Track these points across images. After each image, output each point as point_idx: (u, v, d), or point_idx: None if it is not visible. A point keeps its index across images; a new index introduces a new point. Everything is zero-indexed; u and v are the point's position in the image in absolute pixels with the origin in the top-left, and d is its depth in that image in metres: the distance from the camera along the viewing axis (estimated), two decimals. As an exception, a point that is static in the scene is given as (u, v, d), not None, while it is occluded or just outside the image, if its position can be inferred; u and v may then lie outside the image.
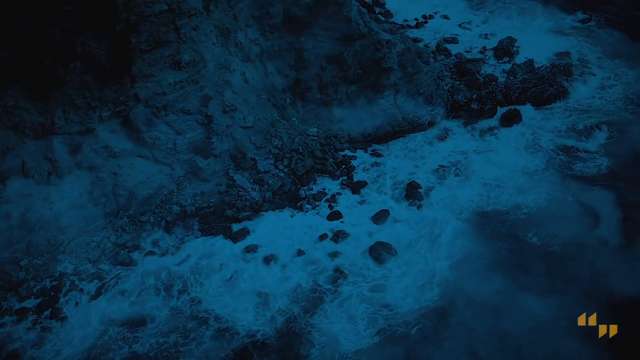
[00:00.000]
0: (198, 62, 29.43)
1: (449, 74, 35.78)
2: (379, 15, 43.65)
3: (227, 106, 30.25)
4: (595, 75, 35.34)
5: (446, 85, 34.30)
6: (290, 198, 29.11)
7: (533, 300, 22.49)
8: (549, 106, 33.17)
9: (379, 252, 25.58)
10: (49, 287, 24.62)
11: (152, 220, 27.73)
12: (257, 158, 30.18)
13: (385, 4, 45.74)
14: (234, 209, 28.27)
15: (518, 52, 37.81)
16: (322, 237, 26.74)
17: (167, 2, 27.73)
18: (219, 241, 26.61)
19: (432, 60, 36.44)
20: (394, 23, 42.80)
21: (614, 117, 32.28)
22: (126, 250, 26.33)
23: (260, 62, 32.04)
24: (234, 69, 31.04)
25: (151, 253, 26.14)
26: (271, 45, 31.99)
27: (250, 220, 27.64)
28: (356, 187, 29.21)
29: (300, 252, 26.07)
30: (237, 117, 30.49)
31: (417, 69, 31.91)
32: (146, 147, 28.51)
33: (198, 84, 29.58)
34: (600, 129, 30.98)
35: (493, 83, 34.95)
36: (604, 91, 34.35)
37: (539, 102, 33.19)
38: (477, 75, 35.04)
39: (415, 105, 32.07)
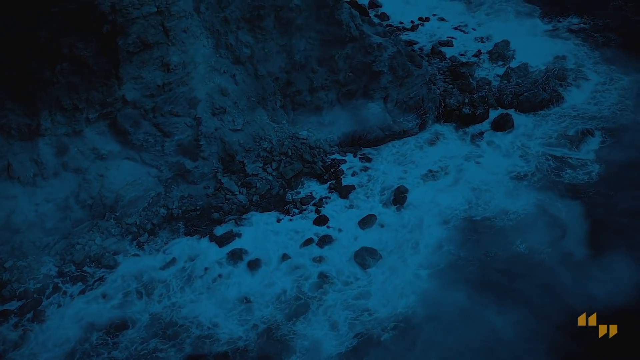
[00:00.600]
0: (188, 64, 29.27)
1: (442, 77, 35.53)
2: (375, 17, 43.58)
3: (217, 108, 30.11)
4: (590, 80, 34.99)
5: (438, 88, 34.02)
6: (278, 202, 28.95)
7: (508, 312, 22.26)
8: (542, 111, 32.82)
9: (364, 257, 25.39)
10: (32, 290, 24.51)
11: (138, 223, 27.63)
12: (245, 161, 30.04)
13: (381, 6, 45.53)
14: (221, 212, 28.15)
15: (513, 56, 37.50)
16: (308, 241, 26.57)
17: (156, 4, 27.60)
18: (204, 245, 26.43)
19: (425, 63, 36.14)
20: (390, 25, 42.66)
21: (609, 123, 31.95)
22: (111, 252, 26.20)
23: (251, 64, 31.81)
24: (224, 71, 30.90)
25: (136, 256, 26.03)
26: (262, 47, 31.74)
27: (237, 223, 27.48)
28: (344, 192, 29.01)
29: (285, 257, 25.89)
30: (226, 120, 30.35)
31: (408, 73, 31.64)
32: (134, 149, 28.39)
33: (187, 86, 29.42)
34: (593, 135, 30.66)
35: (486, 87, 34.69)
36: (599, 96, 33.95)
37: (532, 107, 32.86)
38: (470, 79, 34.79)
39: (406, 109, 31.79)
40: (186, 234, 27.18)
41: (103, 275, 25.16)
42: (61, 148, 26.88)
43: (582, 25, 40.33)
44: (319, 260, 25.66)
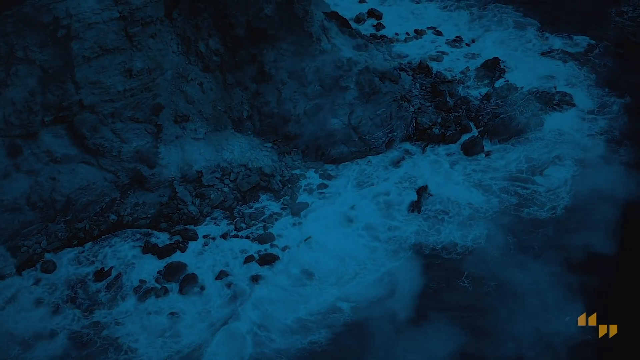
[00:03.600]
0: (153, 70, 29.05)
1: (422, 94, 34.02)
2: (372, 27, 42.46)
3: (179, 116, 29.82)
4: (576, 104, 32.84)
5: (412, 106, 32.61)
6: (228, 215, 28.42)
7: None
8: (517, 136, 30.97)
9: (301, 279, 24.70)
10: (-31, 290, 24.72)
11: (87, 228, 27.60)
12: (203, 171, 29.61)
13: (381, 16, 44.24)
14: (169, 222, 27.84)
15: (501, 75, 35.52)
16: (249, 259, 25.98)
17: (119, 9, 27.50)
18: (144, 256, 26.13)
19: (407, 78, 34.86)
20: (384, 36, 41.29)
21: (588, 154, 29.89)
22: (53, 258, 26.22)
23: (220, 72, 31.42)
24: (191, 79, 30.53)
25: (75, 262, 25.99)
26: (232, 56, 31.32)
27: (181, 235, 27.07)
28: (296, 209, 28.24)
29: (223, 274, 25.40)
30: (188, 128, 30.05)
31: (375, 89, 30.52)
32: (90, 154, 28.34)
33: (151, 92, 29.19)
34: (564, 165, 28.85)
35: (464, 107, 33.08)
36: (584, 123, 31.88)
37: (507, 131, 31.00)
38: (448, 98, 33.27)
39: (371, 126, 30.70)
40: (129, 243, 26.90)
41: (39, 281, 25.13)
42: (14, 149, 26.99)
43: (580, 43, 37.91)
44: (256, 279, 25.02)
